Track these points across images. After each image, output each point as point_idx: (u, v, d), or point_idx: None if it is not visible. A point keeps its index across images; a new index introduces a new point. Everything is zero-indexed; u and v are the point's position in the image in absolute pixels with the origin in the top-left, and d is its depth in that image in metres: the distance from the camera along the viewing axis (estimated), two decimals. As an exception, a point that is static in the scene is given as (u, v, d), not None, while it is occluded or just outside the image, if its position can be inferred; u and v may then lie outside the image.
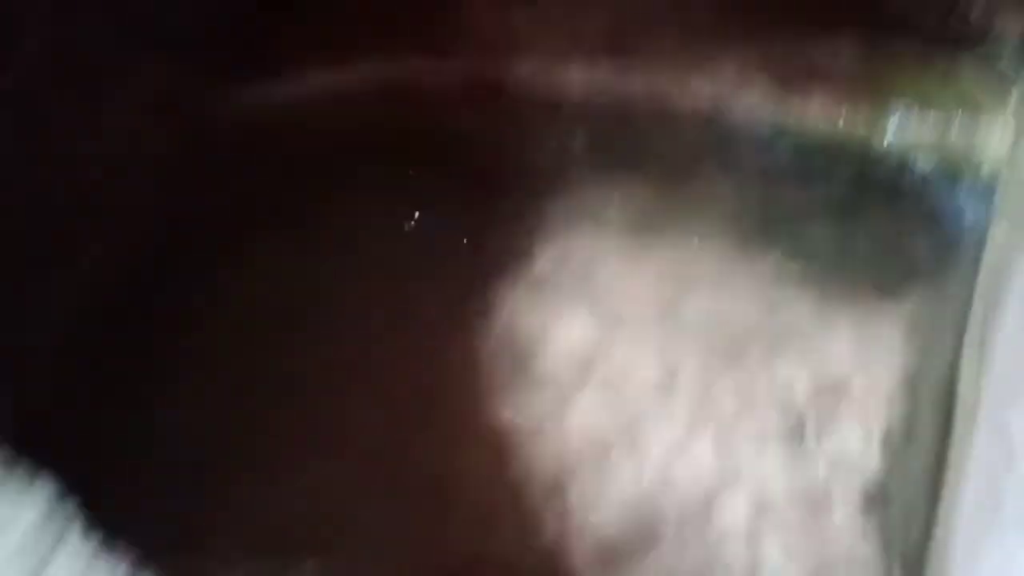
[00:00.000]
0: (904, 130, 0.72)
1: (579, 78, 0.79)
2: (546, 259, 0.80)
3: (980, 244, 0.64)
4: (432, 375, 0.74)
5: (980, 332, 0.57)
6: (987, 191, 0.68)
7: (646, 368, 0.73)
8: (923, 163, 0.72)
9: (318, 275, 0.79)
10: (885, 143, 0.73)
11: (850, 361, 0.71)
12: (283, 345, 0.75)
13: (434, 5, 0.80)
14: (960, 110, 0.70)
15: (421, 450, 0.70)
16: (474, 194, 0.81)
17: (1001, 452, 0.46)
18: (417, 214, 0.81)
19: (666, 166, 0.79)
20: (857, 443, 0.68)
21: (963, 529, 0.49)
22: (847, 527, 0.65)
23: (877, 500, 0.65)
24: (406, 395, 0.73)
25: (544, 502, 0.67)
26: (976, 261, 0.63)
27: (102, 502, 0.44)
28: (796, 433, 0.69)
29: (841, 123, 0.74)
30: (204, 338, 0.76)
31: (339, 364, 0.74)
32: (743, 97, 0.76)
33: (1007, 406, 0.50)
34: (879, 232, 0.76)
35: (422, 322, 0.77)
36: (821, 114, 0.74)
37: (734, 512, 0.66)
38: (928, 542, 0.55)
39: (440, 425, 0.71)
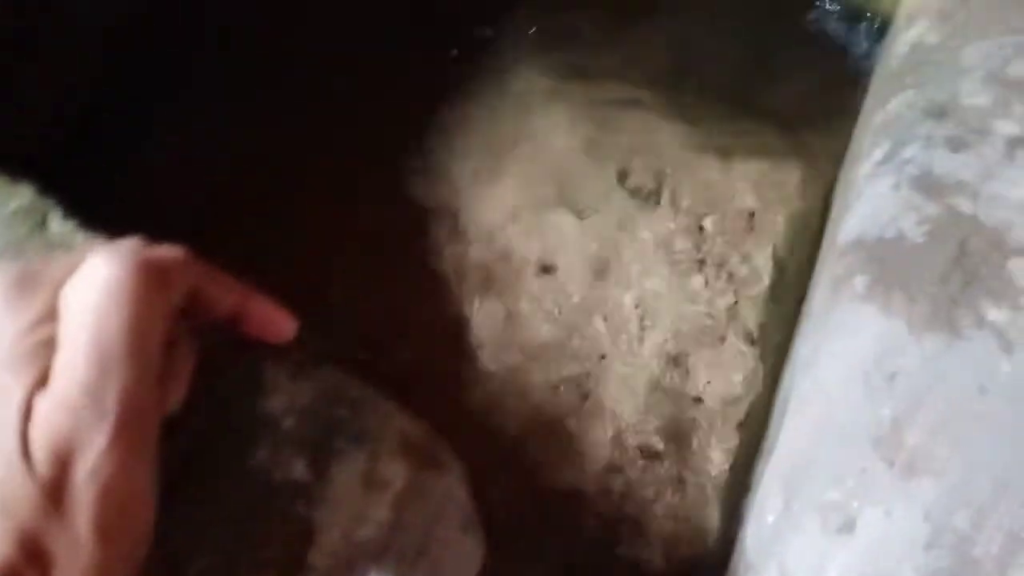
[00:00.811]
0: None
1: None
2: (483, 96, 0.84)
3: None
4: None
5: (847, 174, 0.59)
6: (883, 31, 0.75)
7: (562, 204, 0.78)
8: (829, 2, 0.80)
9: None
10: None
11: (753, 195, 0.77)
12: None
13: None
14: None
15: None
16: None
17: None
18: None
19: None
20: (748, 275, 0.73)
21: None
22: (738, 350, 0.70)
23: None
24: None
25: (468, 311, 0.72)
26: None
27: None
28: (697, 264, 0.74)
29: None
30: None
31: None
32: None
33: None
34: (789, 72, 0.83)
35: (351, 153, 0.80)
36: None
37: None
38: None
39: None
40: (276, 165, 0.81)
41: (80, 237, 0.45)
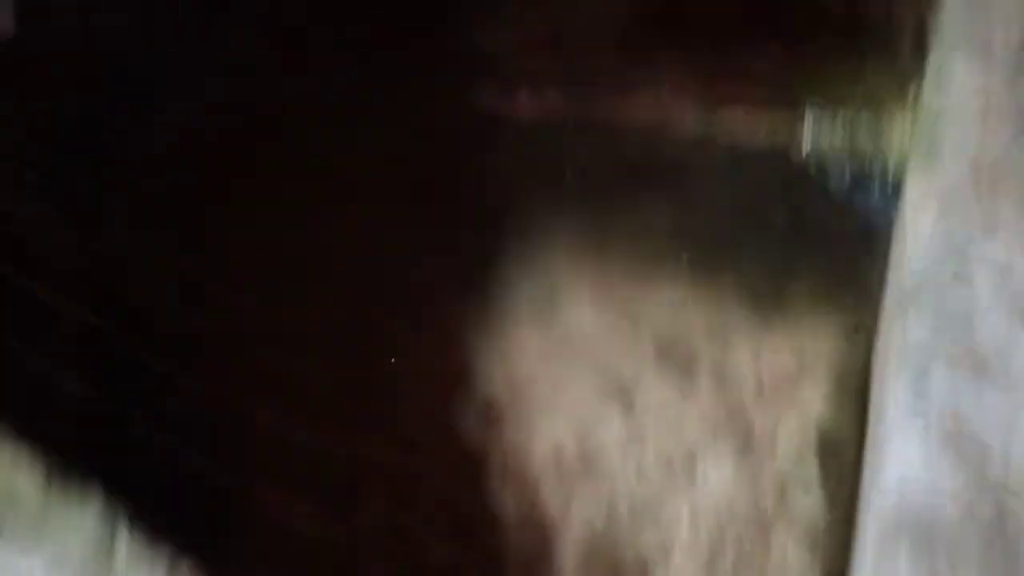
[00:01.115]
0: (819, 133, 0.79)
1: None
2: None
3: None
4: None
5: (886, 339, 0.60)
6: (896, 189, 0.74)
7: (602, 383, 0.77)
8: (838, 164, 0.79)
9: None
10: (804, 147, 0.79)
11: (792, 366, 0.76)
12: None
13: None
14: (867, 109, 0.77)
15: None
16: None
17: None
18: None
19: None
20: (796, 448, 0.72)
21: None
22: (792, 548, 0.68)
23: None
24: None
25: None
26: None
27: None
28: (745, 438, 0.73)
29: (763, 131, 0.80)
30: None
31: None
32: (673, 113, 0.83)
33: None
34: (810, 240, 0.82)
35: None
36: (745, 125, 0.81)
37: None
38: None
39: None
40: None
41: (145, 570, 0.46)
